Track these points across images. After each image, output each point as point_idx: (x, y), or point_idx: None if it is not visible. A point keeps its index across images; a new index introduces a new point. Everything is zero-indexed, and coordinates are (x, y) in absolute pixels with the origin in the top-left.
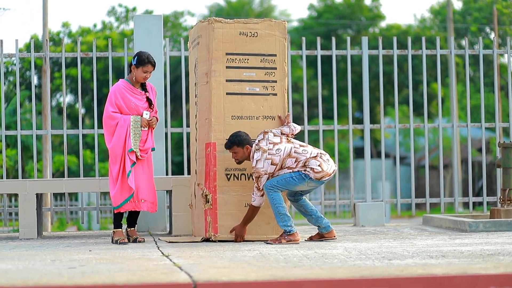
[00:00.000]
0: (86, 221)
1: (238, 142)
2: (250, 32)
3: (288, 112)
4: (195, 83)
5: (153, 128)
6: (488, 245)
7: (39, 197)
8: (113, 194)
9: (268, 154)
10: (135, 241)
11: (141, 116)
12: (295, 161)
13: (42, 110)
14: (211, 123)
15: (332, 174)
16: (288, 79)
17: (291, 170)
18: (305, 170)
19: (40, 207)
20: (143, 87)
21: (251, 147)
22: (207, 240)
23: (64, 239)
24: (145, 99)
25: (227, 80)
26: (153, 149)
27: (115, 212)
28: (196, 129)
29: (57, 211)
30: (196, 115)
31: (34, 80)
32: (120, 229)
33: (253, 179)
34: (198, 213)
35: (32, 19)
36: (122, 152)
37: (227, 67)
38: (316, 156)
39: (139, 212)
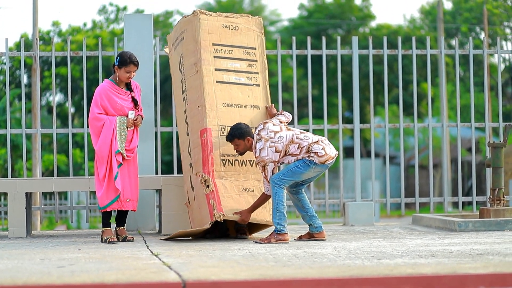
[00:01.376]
0: (76, 220)
1: (239, 135)
2: (232, 25)
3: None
4: (182, 79)
5: (138, 127)
6: (477, 245)
7: (29, 196)
8: (100, 195)
9: (271, 142)
10: (124, 240)
11: (127, 116)
12: (298, 147)
13: (32, 109)
14: (205, 109)
15: (335, 158)
16: (278, 78)
17: (295, 158)
18: (309, 156)
19: (29, 206)
20: (128, 86)
21: (252, 138)
22: (215, 225)
23: (53, 238)
24: (131, 99)
25: (215, 69)
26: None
27: (102, 212)
28: (187, 123)
29: (47, 210)
30: (185, 110)
31: (24, 79)
32: (109, 228)
33: (251, 166)
34: (200, 203)
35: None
36: (109, 153)
37: (214, 57)
38: (317, 141)
39: (127, 211)
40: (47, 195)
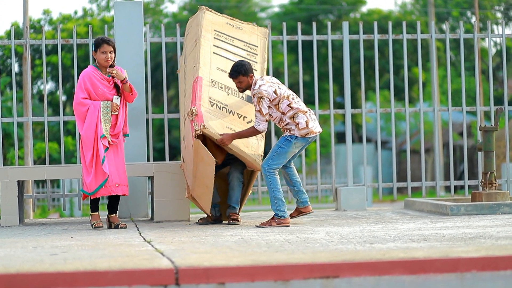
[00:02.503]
0: (68, 208)
1: (244, 71)
2: (236, 25)
3: None
4: (184, 63)
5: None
6: (469, 229)
7: (21, 184)
8: (89, 181)
9: (272, 83)
10: (117, 227)
11: (111, 101)
12: (289, 106)
13: (23, 98)
14: (199, 66)
15: (317, 134)
16: (269, 64)
17: (279, 117)
18: (289, 131)
19: (21, 194)
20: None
21: (253, 73)
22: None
23: (46, 226)
24: (113, 85)
25: (214, 45)
26: (127, 135)
27: (92, 198)
28: (185, 90)
29: (39, 198)
30: (185, 88)
31: (15, 68)
32: (97, 213)
33: (238, 118)
34: (188, 143)
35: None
36: (94, 138)
37: (215, 38)
38: (305, 112)
39: (118, 198)
40: (40, 183)
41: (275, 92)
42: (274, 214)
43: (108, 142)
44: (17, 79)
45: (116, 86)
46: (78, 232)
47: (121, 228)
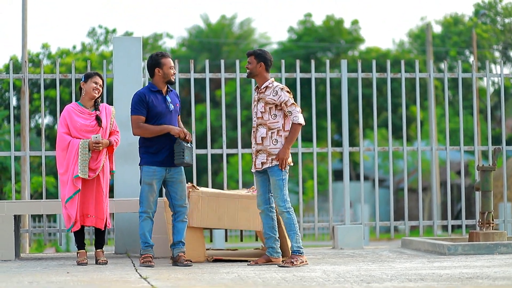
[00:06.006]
0: (64, 242)
1: (258, 55)
2: None
3: None
4: None
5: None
6: (466, 268)
7: (17, 218)
8: (65, 218)
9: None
10: (97, 262)
11: (90, 139)
12: (283, 115)
13: (21, 131)
14: None
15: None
16: None
17: (278, 129)
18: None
19: (18, 229)
20: (96, 107)
21: (266, 69)
22: None
23: (42, 261)
24: (94, 117)
25: None
26: (113, 172)
27: (73, 231)
28: None
29: (35, 232)
30: None
31: (13, 101)
32: (83, 250)
33: None
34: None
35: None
36: (68, 177)
37: None
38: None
39: (102, 232)
40: (36, 217)
41: (290, 102)
42: (295, 252)
43: (83, 179)
44: (15, 113)
45: (97, 118)
46: (74, 268)
47: (100, 263)
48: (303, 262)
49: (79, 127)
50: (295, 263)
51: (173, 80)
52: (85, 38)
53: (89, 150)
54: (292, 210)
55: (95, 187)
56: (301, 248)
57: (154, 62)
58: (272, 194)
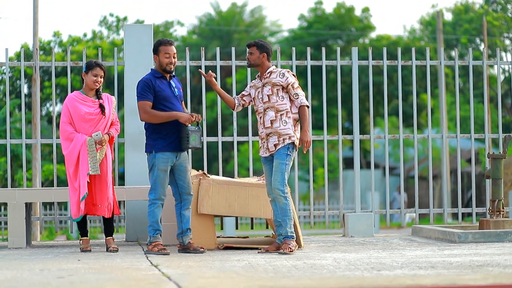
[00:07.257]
0: (75, 230)
1: (260, 46)
2: None
3: None
4: None
5: (102, 145)
6: (477, 256)
7: (28, 206)
8: (72, 206)
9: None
10: (107, 250)
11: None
12: (289, 98)
13: (32, 119)
14: None
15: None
16: None
17: (286, 111)
18: (284, 139)
19: (29, 216)
20: (98, 96)
21: (267, 59)
22: None
23: (53, 249)
24: (98, 105)
25: None
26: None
27: (77, 222)
28: None
29: (46, 220)
30: None
31: (24, 89)
32: (86, 238)
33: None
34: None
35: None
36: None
37: None
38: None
39: (110, 220)
40: (47, 205)
41: (296, 85)
42: (287, 237)
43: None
44: (26, 101)
45: (101, 106)
46: (85, 255)
47: (111, 251)
48: (296, 246)
49: (83, 115)
50: (292, 248)
51: (169, 69)
52: (96, 26)
53: (95, 145)
54: (289, 195)
55: (97, 176)
56: (293, 232)
57: (154, 49)
58: (272, 176)
